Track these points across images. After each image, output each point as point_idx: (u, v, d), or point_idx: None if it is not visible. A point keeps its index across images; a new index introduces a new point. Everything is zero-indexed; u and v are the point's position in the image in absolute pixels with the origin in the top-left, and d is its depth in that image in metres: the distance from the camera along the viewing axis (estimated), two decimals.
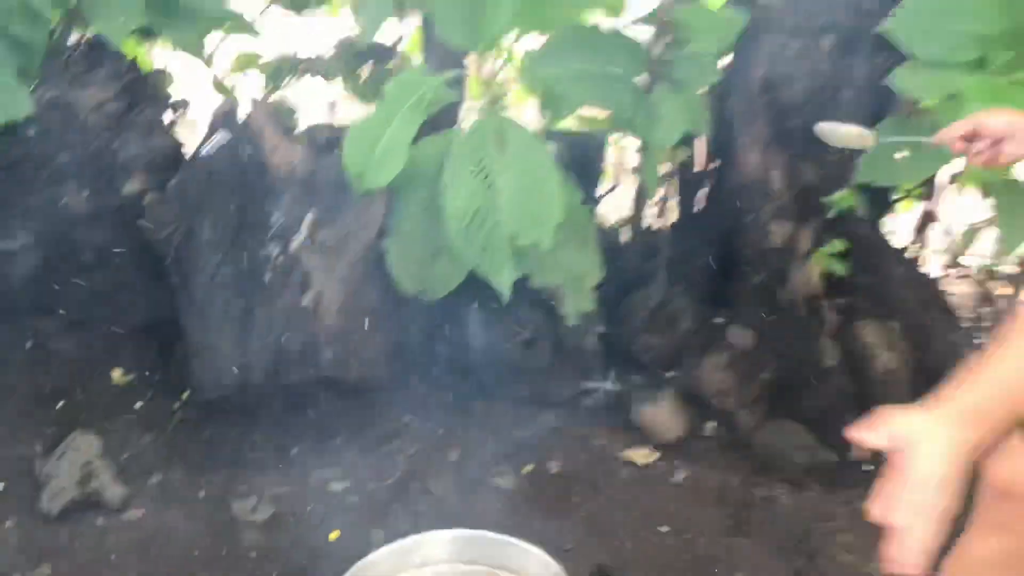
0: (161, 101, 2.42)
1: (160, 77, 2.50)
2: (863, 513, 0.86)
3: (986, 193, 2.23)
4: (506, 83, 2.27)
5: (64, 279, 2.30)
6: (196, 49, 2.42)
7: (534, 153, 1.82)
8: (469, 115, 2.17)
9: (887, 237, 2.45)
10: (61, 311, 2.28)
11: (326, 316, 1.90)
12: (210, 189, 1.93)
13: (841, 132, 1.58)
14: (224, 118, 1.98)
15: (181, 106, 2.49)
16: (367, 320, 1.89)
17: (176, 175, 2.13)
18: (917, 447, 0.80)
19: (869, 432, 0.85)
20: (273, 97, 2.47)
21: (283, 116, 2.06)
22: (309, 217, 1.82)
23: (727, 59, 2.28)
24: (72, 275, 2.30)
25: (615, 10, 2.09)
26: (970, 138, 1.33)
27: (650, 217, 2.53)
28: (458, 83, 2.01)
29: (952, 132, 1.34)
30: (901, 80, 1.97)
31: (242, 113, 2.04)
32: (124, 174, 2.31)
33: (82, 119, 2.29)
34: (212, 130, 2.00)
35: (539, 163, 1.81)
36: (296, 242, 1.82)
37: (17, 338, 2.23)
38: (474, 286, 1.90)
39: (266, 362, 1.89)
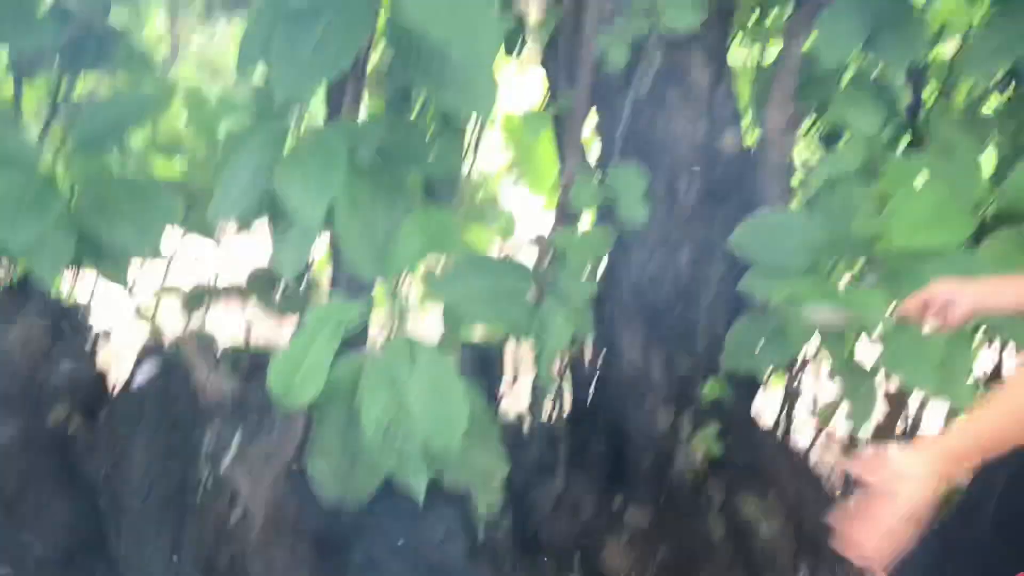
0: (85, 332, 2.59)
1: (83, 309, 2.67)
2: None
3: (832, 374, 2.56)
4: (410, 301, 2.52)
5: None
6: (121, 280, 2.61)
7: (440, 366, 2.05)
8: (379, 329, 2.40)
9: (758, 416, 2.74)
10: None
11: (252, 530, 2.03)
12: (140, 417, 2.09)
13: (824, 316, 1.84)
14: (152, 349, 2.16)
15: (104, 336, 2.65)
16: (291, 530, 2.03)
17: (105, 405, 2.29)
18: (902, 481, 1.02)
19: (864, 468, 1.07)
20: (193, 323, 2.66)
21: (206, 343, 2.24)
22: (236, 438, 1.99)
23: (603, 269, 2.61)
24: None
25: (507, 234, 2.40)
26: (924, 307, 1.58)
27: (548, 412, 2.77)
28: (368, 306, 2.25)
29: (910, 304, 1.59)
30: (749, 284, 2.32)
31: (167, 342, 2.23)
32: (50, 404, 2.43)
33: (8, 352, 2.44)
34: (140, 360, 2.17)
35: (445, 375, 2.04)
36: (225, 462, 1.98)
37: None
38: (391, 491, 2.07)
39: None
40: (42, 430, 2.40)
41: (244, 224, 2.45)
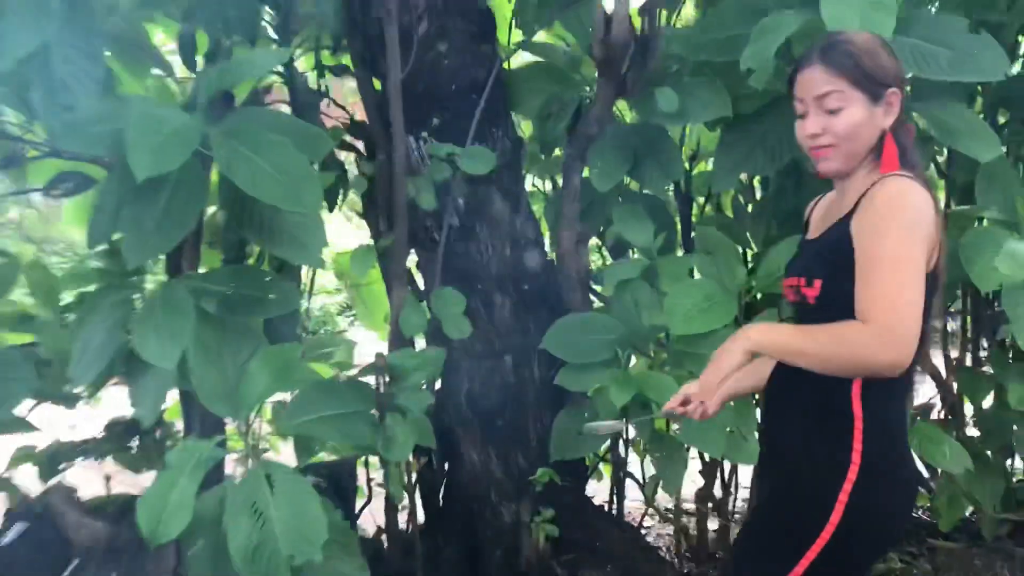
0: None
1: None
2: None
3: (646, 450, 2.93)
4: (262, 433, 2.73)
5: None
6: None
7: (296, 486, 2.26)
8: (237, 461, 2.59)
9: (592, 497, 3.07)
10: None
11: None
12: (15, 570, 2.18)
13: (601, 426, 2.13)
14: (20, 509, 2.27)
15: None
16: None
17: None
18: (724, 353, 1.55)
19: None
20: (54, 480, 2.75)
21: (71, 494, 2.36)
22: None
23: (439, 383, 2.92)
24: None
25: (345, 367, 2.67)
26: (684, 404, 1.92)
27: (403, 522, 2.99)
28: (223, 442, 2.45)
29: (671, 404, 1.92)
30: (563, 380, 2.68)
31: (31, 500, 2.34)
32: None
33: None
34: (11, 521, 2.28)
35: (302, 494, 2.25)
36: None
37: None
38: None
39: None
40: None
41: (96, 388, 2.62)
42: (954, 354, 3.46)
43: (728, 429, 2.67)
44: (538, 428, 2.88)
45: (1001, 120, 3.24)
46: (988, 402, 3.29)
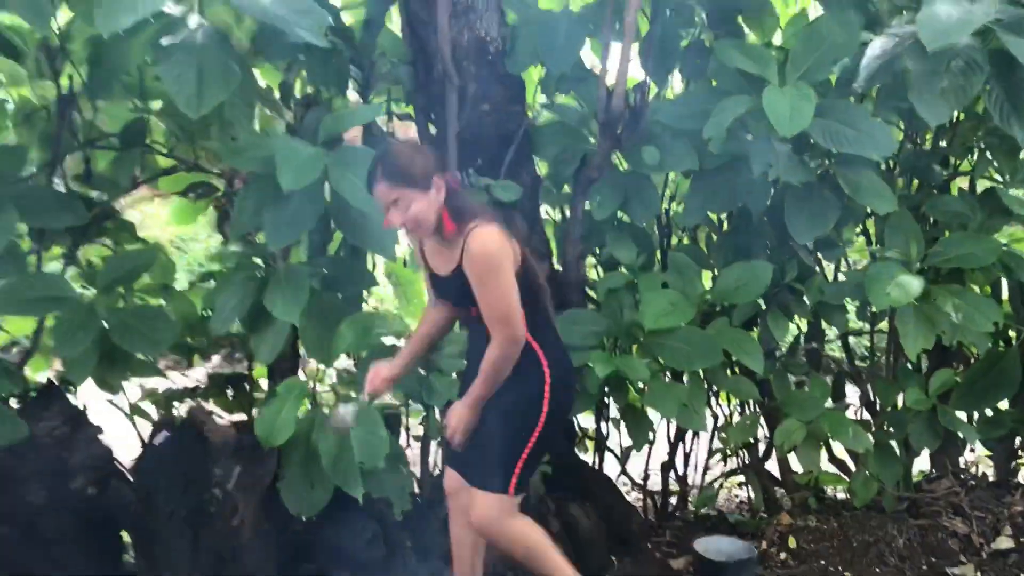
0: (91, 425, 3.51)
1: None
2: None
3: (620, 415, 3.80)
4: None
5: (29, 552, 3.20)
6: (115, 389, 3.58)
7: (370, 414, 3.11)
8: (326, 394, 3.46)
9: (576, 453, 3.95)
10: None
11: (245, 532, 3.02)
12: (162, 466, 3.07)
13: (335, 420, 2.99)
14: (163, 423, 3.16)
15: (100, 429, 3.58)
16: (271, 530, 3.03)
17: (113, 474, 3.25)
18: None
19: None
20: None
21: (205, 412, 3.25)
22: (237, 469, 3.01)
23: None
24: (35, 548, 3.21)
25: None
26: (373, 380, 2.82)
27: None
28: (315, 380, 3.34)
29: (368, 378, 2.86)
30: None
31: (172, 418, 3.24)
32: (73, 476, 3.33)
33: (40, 439, 3.32)
34: (156, 431, 3.17)
35: (373, 419, 3.09)
36: (229, 485, 2.98)
37: None
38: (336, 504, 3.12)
39: (210, 566, 2.95)
40: (67, 493, 3.30)
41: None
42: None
43: (683, 403, 3.56)
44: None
45: (915, 183, 4.15)
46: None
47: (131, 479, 3.25)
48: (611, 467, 4.27)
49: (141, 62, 3.10)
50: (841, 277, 4.19)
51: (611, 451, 4.27)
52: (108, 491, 3.21)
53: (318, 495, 3.12)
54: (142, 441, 3.69)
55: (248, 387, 3.89)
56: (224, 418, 3.73)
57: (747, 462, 4.30)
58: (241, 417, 3.76)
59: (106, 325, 3.19)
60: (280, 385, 3.13)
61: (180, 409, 3.76)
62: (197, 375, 4.04)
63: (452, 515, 3.00)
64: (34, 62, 3.28)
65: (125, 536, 3.38)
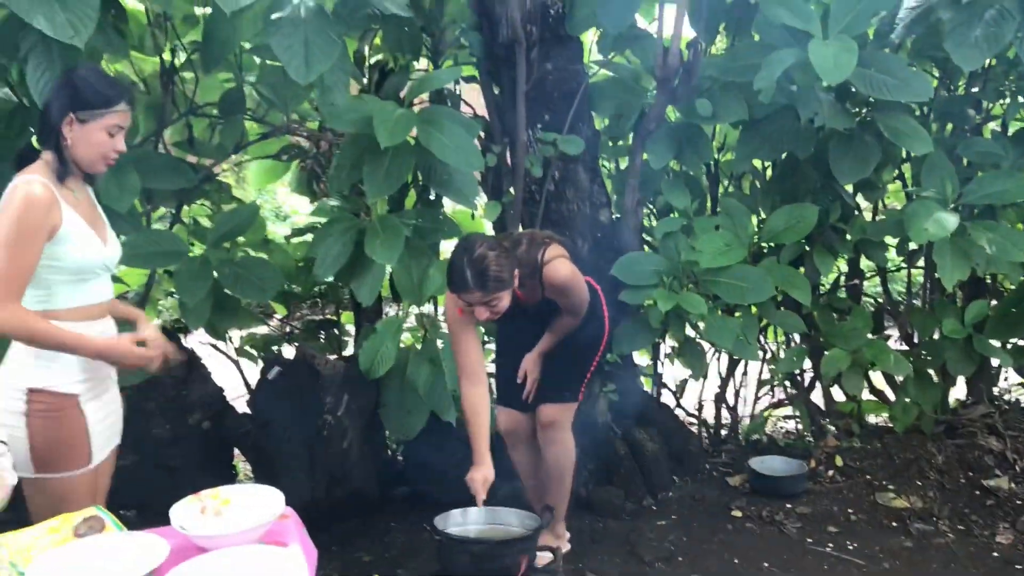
0: (203, 367, 3.90)
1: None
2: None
3: (677, 349, 4.14)
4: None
5: (152, 476, 3.60)
6: (221, 335, 3.97)
7: None
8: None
9: (639, 383, 4.31)
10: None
11: (353, 454, 3.41)
12: (276, 396, 3.46)
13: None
14: (276, 359, 3.55)
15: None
16: (376, 450, 3.41)
17: (226, 410, 3.65)
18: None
19: None
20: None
21: (311, 350, 3.64)
22: (345, 397, 3.39)
23: None
24: (161, 474, 3.61)
25: None
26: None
27: None
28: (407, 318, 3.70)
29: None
30: (624, 296, 3.89)
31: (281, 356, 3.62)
32: (189, 411, 3.74)
33: (161, 380, 3.72)
34: (269, 367, 3.56)
35: None
36: (339, 412, 3.37)
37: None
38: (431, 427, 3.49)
39: (323, 483, 3.34)
40: (185, 428, 3.70)
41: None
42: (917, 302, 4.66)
43: (738, 335, 3.88)
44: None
45: (949, 127, 4.41)
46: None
47: (244, 413, 3.64)
48: (666, 400, 4.62)
49: (249, 37, 3.43)
50: (880, 217, 4.47)
51: (666, 386, 4.62)
52: (224, 422, 3.60)
53: (414, 420, 3.50)
54: (244, 381, 4.10)
55: (337, 331, 4.27)
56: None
57: (794, 393, 4.64)
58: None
59: (216, 276, 3.55)
60: (379, 323, 3.50)
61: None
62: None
63: (513, 447, 3.34)
64: (147, 38, 3.60)
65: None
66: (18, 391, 2.13)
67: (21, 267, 2.05)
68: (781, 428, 5.27)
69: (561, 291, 2.98)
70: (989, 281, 4.53)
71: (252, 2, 2.89)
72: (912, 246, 4.45)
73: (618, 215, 4.20)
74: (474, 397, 2.92)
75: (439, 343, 3.50)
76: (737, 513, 3.78)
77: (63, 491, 2.16)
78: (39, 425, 2.14)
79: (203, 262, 3.53)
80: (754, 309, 4.11)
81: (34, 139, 2.30)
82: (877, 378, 4.56)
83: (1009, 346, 4.45)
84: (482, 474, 2.84)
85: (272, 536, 1.73)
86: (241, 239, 3.95)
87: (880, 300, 4.82)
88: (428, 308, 4.02)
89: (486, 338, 3.89)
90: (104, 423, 2.32)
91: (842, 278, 4.67)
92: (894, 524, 3.69)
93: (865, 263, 4.60)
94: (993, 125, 4.48)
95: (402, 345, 3.62)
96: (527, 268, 2.91)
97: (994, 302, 4.47)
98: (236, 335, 4.23)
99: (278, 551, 1.59)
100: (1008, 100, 4.28)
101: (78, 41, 2.65)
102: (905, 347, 4.63)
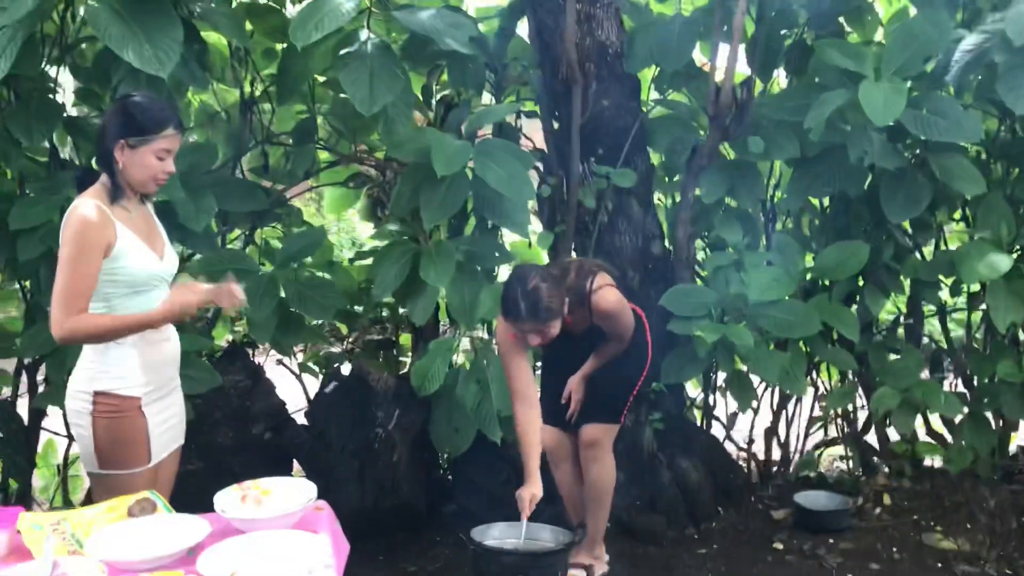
0: (267, 380, 4.12)
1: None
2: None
3: (726, 381, 4.19)
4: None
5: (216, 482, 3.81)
6: (286, 351, 4.19)
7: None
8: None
9: (685, 412, 4.37)
10: None
11: (402, 467, 3.57)
12: (332, 409, 3.65)
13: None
14: (333, 375, 3.74)
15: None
16: (425, 464, 3.56)
17: (286, 422, 3.85)
18: None
19: None
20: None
21: (367, 367, 3.82)
22: (396, 412, 3.56)
23: None
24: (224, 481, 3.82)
25: None
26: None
27: None
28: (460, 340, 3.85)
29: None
30: (673, 326, 3.98)
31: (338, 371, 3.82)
32: (254, 421, 3.95)
33: (227, 390, 3.95)
34: (327, 382, 3.75)
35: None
36: (390, 426, 3.54)
37: None
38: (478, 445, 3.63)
39: (373, 494, 3.51)
40: (248, 436, 3.91)
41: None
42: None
43: (785, 369, 3.93)
44: (656, 358, 4.15)
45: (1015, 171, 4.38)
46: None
47: (303, 424, 3.84)
48: (717, 433, 4.66)
49: (321, 71, 3.67)
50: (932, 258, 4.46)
51: (717, 419, 4.67)
52: (284, 433, 3.80)
53: (462, 437, 3.64)
54: (306, 395, 4.31)
55: (395, 351, 4.45)
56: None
57: (846, 431, 4.63)
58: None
59: (283, 294, 3.77)
60: (432, 343, 3.66)
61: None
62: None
63: (555, 465, 3.44)
64: (228, 71, 3.88)
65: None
66: (86, 394, 2.35)
67: (81, 282, 2.25)
68: (836, 467, 5.24)
69: (608, 318, 3.10)
70: None
71: (323, 37, 3.12)
72: (973, 288, 4.43)
73: (670, 248, 4.29)
74: (526, 418, 3.05)
75: (487, 364, 3.63)
76: (779, 546, 3.80)
77: (124, 487, 2.30)
78: (103, 425, 2.34)
79: (270, 280, 3.75)
80: (804, 345, 4.14)
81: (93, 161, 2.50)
82: (936, 420, 4.52)
83: None
84: (530, 491, 2.96)
85: (305, 524, 1.88)
86: (308, 260, 4.17)
87: (940, 342, 4.78)
88: (481, 331, 4.17)
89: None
90: (165, 425, 2.51)
91: (901, 317, 4.66)
92: (939, 565, 3.66)
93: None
94: None
95: (454, 365, 3.78)
96: (576, 296, 3.04)
97: None
98: (300, 352, 4.44)
99: (306, 536, 1.74)
100: None
101: (163, 73, 2.91)
102: (963, 389, 4.58)
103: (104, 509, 1.88)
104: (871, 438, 4.66)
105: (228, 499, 1.95)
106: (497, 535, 3.06)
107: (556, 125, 4.32)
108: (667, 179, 4.55)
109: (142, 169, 2.39)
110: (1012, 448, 4.58)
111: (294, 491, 2.01)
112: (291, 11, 4.06)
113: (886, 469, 4.48)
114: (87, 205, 2.29)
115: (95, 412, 2.33)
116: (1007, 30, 3.40)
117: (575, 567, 3.24)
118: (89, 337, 2.29)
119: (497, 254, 3.81)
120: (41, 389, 3.83)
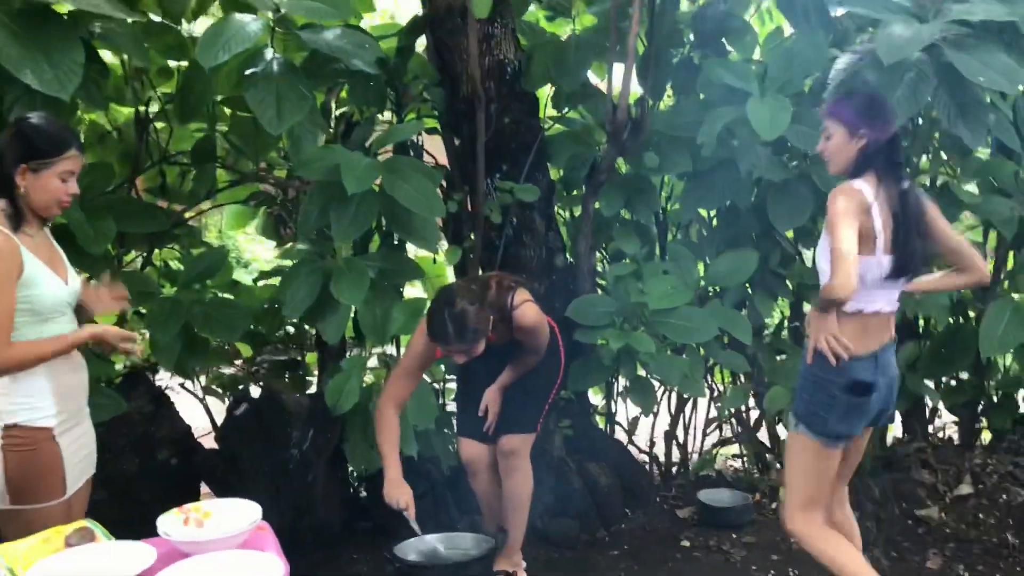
0: (170, 405, 4.03)
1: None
2: None
3: (628, 386, 4.35)
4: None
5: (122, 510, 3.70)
6: (189, 373, 4.10)
7: (423, 386, 3.67)
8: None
9: (593, 420, 4.50)
10: None
11: (318, 487, 3.55)
12: (243, 432, 3.60)
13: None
14: (243, 397, 3.69)
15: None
16: (340, 482, 3.55)
17: (192, 447, 3.78)
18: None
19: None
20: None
21: (277, 387, 3.78)
22: (311, 433, 3.54)
23: None
24: (130, 509, 3.71)
25: None
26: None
27: None
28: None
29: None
30: (579, 336, 4.10)
31: (247, 393, 3.77)
32: (159, 446, 3.85)
33: (129, 417, 3.83)
34: (236, 404, 3.70)
35: (425, 390, 3.66)
36: (304, 446, 3.51)
37: None
38: None
39: (289, 515, 3.47)
40: (154, 463, 3.81)
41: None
42: None
43: (684, 373, 4.10)
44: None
45: None
46: None
47: (212, 448, 3.77)
48: (619, 437, 4.82)
49: (226, 91, 3.63)
50: None
51: (619, 423, 4.82)
52: (194, 459, 3.73)
53: (377, 455, 3.64)
54: (211, 418, 4.23)
55: (301, 372, 4.42)
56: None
57: (740, 430, 4.86)
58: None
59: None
60: (345, 360, 3.67)
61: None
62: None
63: (474, 476, 3.51)
64: (125, 90, 3.79)
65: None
66: None
67: (4, 316, 2.19)
68: (730, 466, 5.48)
69: (529, 333, 3.19)
70: (921, 323, 4.81)
71: (228, 58, 3.10)
72: None
73: (572, 259, 4.43)
74: (393, 419, 3.12)
75: None
76: (686, 543, 3.97)
77: (39, 521, 2.22)
78: (14, 459, 2.27)
79: (175, 302, 3.68)
80: (701, 349, 4.34)
81: None
82: None
83: (941, 385, 4.73)
84: (404, 493, 3.01)
85: (250, 545, 1.89)
86: (209, 282, 4.10)
87: None
88: (389, 348, 4.19)
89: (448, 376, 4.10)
90: (79, 455, 2.45)
91: (786, 320, 4.93)
92: None
93: (807, 306, 4.87)
94: (923, 179, 4.80)
95: (365, 383, 3.78)
96: (497, 312, 3.11)
97: (926, 343, 4.75)
98: (202, 375, 4.36)
99: (258, 555, 1.75)
100: (932, 156, 4.60)
101: (64, 95, 2.84)
102: None
103: (39, 540, 1.83)
104: (763, 436, 4.91)
105: (170, 523, 1.93)
106: (418, 548, 3.09)
107: (458, 142, 4.39)
108: (565, 193, 4.69)
109: (46, 193, 2.33)
110: (888, 440, 4.91)
111: (235, 511, 2.00)
112: (185, 29, 4.01)
113: (779, 465, 4.73)
114: None
115: (5, 446, 2.25)
116: (878, 51, 3.66)
117: (497, 575, 3.30)
118: (21, 365, 2.22)
119: (408, 270, 3.84)
120: None
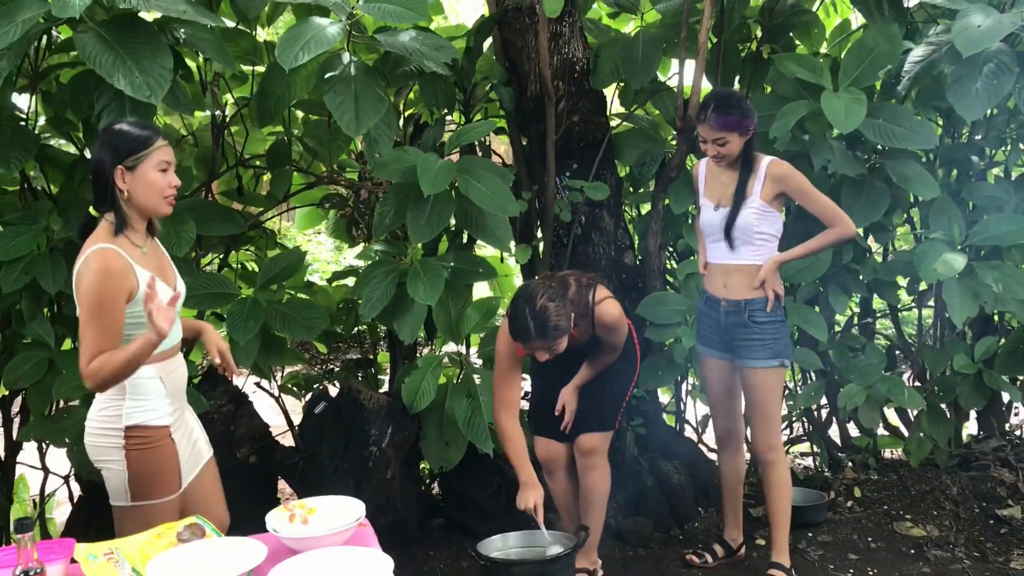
0: (249, 403, 4.10)
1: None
2: None
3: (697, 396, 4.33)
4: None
5: None
6: (266, 373, 4.18)
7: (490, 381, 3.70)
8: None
9: (663, 417, 4.48)
10: None
11: (396, 483, 3.59)
12: (322, 429, 3.66)
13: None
14: (321, 395, 3.75)
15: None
16: (416, 480, 3.59)
17: (301, 428, 3.85)
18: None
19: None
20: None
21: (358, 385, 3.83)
22: (389, 430, 3.58)
23: None
24: None
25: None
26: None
27: None
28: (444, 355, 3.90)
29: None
30: (649, 334, 4.09)
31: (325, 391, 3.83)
32: (238, 446, 3.93)
33: (211, 416, 3.91)
34: (315, 403, 3.76)
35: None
36: (384, 443, 3.56)
37: None
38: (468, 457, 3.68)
39: (369, 513, 3.51)
40: (233, 461, 3.89)
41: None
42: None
43: None
44: None
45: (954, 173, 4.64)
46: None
47: (290, 446, 3.84)
48: (689, 436, 4.79)
49: (304, 94, 3.69)
50: (890, 259, 4.68)
51: (688, 422, 4.80)
52: (274, 456, 3.80)
53: (453, 452, 3.69)
54: (286, 417, 4.30)
55: (373, 370, 4.47)
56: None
57: (811, 429, 4.81)
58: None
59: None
60: (420, 359, 3.70)
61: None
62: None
63: (551, 474, 3.51)
64: (203, 95, 3.87)
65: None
66: (115, 430, 2.34)
67: (109, 336, 2.22)
68: (799, 464, 5.43)
69: (611, 329, 3.19)
70: (997, 319, 4.72)
71: (307, 61, 3.15)
72: (922, 286, 4.66)
73: (640, 257, 4.42)
74: (513, 426, 3.16)
75: (476, 378, 3.69)
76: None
77: (154, 518, 2.28)
78: (137, 458, 2.34)
79: (254, 303, 3.74)
80: None
81: (91, 208, 2.41)
82: (891, 414, 4.73)
83: (1018, 381, 4.63)
84: (535, 496, 3.05)
85: (354, 541, 1.92)
86: (285, 283, 4.17)
87: (891, 339, 5.01)
88: (460, 346, 4.23)
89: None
90: (188, 450, 2.53)
91: (855, 317, 4.86)
92: (912, 552, 3.83)
93: (877, 303, 4.80)
94: (996, 171, 4.71)
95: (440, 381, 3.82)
96: (579, 309, 3.12)
97: (1002, 340, 4.65)
98: (278, 374, 4.43)
99: (367, 551, 1.78)
100: (1009, 147, 4.51)
101: (155, 99, 2.90)
102: (917, 384, 4.80)
103: (152, 535, 1.89)
104: (833, 433, 4.85)
105: (277, 520, 1.98)
106: (500, 546, 3.11)
107: (525, 141, 4.41)
108: (632, 190, 4.68)
109: (148, 189, 2.36)
110: (964, 437, 4.82)
111: (338, 508, 2.04)
112: (261, 35, 4.09)
113: (851, 463, 4.67)
114: (105, 253, 2.25)
115: (128, 446, 2.32)
116: (955, 42, 3.60)
117: (578, 572, 3.31)
118: (116, 376, 2.25)
119: (481, 270, 3.86)
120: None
